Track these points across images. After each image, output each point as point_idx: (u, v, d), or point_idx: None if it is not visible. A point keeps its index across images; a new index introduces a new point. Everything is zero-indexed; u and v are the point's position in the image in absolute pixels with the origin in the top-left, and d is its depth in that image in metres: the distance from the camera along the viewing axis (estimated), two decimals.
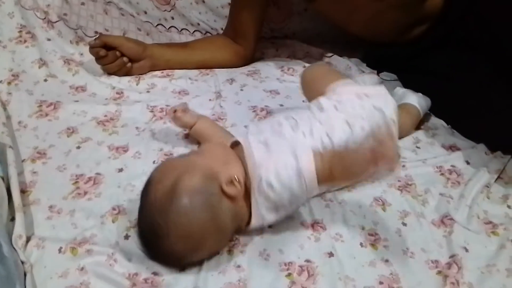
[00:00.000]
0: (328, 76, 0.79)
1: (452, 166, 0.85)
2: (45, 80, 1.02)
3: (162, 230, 0.61)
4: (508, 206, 0.77)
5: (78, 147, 0.85)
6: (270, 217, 0.65)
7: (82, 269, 0.63)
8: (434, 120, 0.98)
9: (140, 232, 0.66)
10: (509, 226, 0.73)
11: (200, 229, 0.62)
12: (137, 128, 0.91)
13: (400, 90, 0.99)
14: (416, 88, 0.99)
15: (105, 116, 0.93)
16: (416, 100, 0.93)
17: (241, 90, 1.05)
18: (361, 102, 0.70)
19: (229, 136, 0.81)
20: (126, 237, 0.68)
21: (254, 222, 0.66)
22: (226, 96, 1.02)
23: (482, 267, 0.67)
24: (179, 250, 0.62)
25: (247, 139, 0.69)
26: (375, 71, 1.14)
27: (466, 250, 0.69)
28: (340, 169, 0.65)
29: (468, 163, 0.86)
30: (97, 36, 1.08)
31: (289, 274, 0.64)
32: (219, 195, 0.63)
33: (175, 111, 0.83)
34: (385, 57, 1.15)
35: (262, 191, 0.63)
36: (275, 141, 0.67)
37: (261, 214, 0.65)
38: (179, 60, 1.11)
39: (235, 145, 0.73)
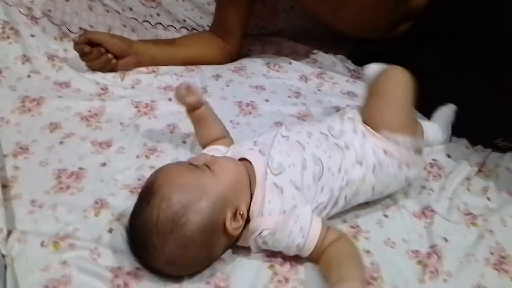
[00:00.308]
0: (399, 110, 0.75)
1: (434, 159, 0.86)
2: (29, 76, 1.02)
3: (154, 251, 0.59)
4: (488, 198, 0.78)
5: (61, 142, 0.85)
6: (259, 250, 0.66)
7: (64, 262, 0.63)
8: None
9: (130, 237, 0.63)
10: (488, 217, 0.74)
11: (192, 261, 0.61)
12: (121, 123, 0.91)
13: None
14: None
15: (89, 111, 0.93)
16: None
17: (227, 86, 1.06)
18: (397, 172, 0.72)
19: (223, 128, 0.81)
20: (110, 230, 0.68)
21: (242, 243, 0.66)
22: (212, 91, 1.03)
23: (461, 257, 0.68)
24: (163, 271, 0.61)
25: (264, 173, 0.65)
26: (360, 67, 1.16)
27: (446, 240, 0.70)
28: None
29: (449, 156, 0.87)
30: (82, 33, 1.08)
31: (272, 266, 0.64)
32: (221, 232, 0.62)
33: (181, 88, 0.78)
34: (370, 53, 1.16)
35: (255, 241, 0.64)
36: (290, 189, 0.65)
37: (252, 247, 0.65)
38: (165, 57, 1.11)
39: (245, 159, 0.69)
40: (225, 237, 0.63)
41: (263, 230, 0.63)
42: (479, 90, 0.92)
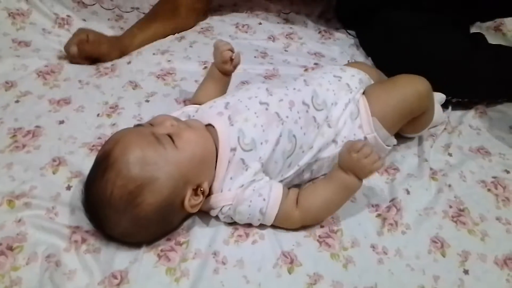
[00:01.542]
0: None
1: None
2: None
3: (108, 224, 0.58)
4: (449, 154, 0.80)
5: (17, 101, 0.81)
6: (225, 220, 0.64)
7: (19, 221, 0.61)
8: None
9: (85, 203, 0.60)
10: (448, 172, 0.75)
11: (148, 235, 0.60)
12: (80, 81, 0.87)
13: None
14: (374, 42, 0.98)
15: (46, 66, 0.89)
16: None
17: (190, 47, 1.02)
18: None
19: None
20: (68, 188, 0.67)
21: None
22: (174, 51, 0.99)
23: (420, 210, 0.69)
24: (120, 240, 0.60)
25: (230, 148, 0.62)
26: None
27: (408, 193, 0.71)
28: None
29: None
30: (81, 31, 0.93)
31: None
32: (178, 209, 0.60)
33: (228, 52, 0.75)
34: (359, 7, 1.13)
35: (219, 215, 0.63)
36: (255, 166, 0.62)
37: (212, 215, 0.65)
38: (149, 36, 1.02)
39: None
40: (183, 213, 0.61)
41: (223, 206, 0.62)
42: (430, 47, 0.91)
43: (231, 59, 0.76)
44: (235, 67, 0.77)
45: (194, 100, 0.78)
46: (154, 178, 0.57)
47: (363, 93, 0.74)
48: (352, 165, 0.62)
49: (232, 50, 0.76)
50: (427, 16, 0.96)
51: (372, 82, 0.79)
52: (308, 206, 0.63)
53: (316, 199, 0.63)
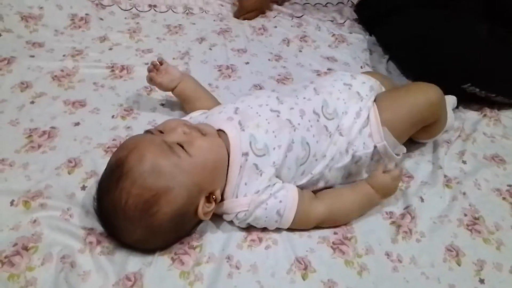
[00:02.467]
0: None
1: None
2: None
3: (122, 233, 0.58)
4: (464, 162, 0.79)
5: (32, 102, 0.82)
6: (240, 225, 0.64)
7: (35, 221, 0.62)
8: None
9: (98, 211, 0.60)
10: (462, 180, 0.75)
11: (161, 242, 0.60)
12: (94, 83, 0.88)
13: None
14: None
15: (62, 71, 0.90)
16: None
17: (210, 49, 1.03)
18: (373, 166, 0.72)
19: (214, 101, 0.78)
20: (83, 188, 0.67)
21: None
22: (193, 55, 1.00)
23: (435, 217, 0.68)
24: (133, 246, 0.60)
25: (241, 153, 0.62)
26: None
27: (422, 200, 0.71)
28: None
29: None
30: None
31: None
32: (192, 216, 0.60)
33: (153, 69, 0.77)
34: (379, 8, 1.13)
35: (234, 220, 0.63)
36: (270, 171, 0.62)
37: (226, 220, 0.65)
38: None
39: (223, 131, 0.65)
40: (196, 220, 0.61)
41: (239, 212, 0.62)
42: (449, 35, 0.91)
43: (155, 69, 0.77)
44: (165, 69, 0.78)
45: None
46: (170, 188, 0.56)
47: (374, 100, 0.73)
48: (383, 185, 0.67)
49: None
50: (448, 13, 0.96)
51: (384, 89, 0.79)
52: (334, 209, 0.64)
53: (342, 204, 0.65)
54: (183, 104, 0.81)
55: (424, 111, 0.72)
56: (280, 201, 0.61)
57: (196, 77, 0.91)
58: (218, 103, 0.78)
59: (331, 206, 0.64)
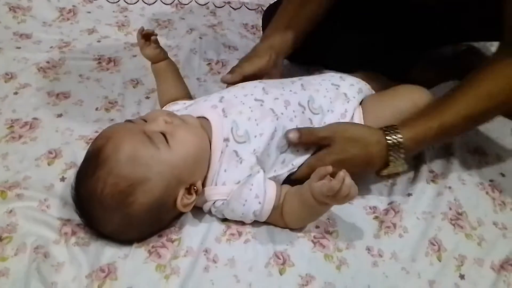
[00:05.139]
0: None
1: None
2: None
3: (99, 222, 0.57)
4: (449, 156, 0.78)
5: (16, 93, 0.81)
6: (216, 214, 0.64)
7: (10, 211, 0.61)
8: None
9: (75, 200, 0.59)
10: (447, 174, 0.74)
11: (139, 233, 0.59)
12: (80, 75, 0.87)
13: None
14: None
15: (48, 62, 0.89)
16: None
17: (200, 38, 1.02)
18: None
19: (187, 92, 0.77)
20: (62, 179, 0.67)
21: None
22: (182, 45, 0.99)
23: (419, 213, 0.67)
24: (110, 236, 0.59)
25: (223, 139, 0.61)
26: None
27: (408, 195, 0.70)
28: None
29: None
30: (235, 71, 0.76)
31: (225, 219, 0.63)
32: (170, 208, 0.59)
33: (143, 34, 0.74)
34: None
35: (209, 209, 0.63)
36: (250, 160, 0.61)
37: (205, 210, 0.64)
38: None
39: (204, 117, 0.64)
40: (175, 212, 0.60)
41: (216, 200, 0.61)
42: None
43: (147, 37, 0.74)
44: (155, 42, 0.75)
45: (161, 103, 0.77)
46: (146, 179, 0.55)
47: (361, 102, 0.72)
48: (320, 194, 0.56)
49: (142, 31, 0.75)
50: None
51: (373, 92, 0.77)
52: (289, 219, 0.62)
53: (293, 213, 0.61)
54: (158, 82, 0.79)
55: (408, 113, 0.70)
56: (259, 203, 0.60)
57: (185, 71, 0.92)
58: (188, 92, 0.78)
59: (284, 209, 0.61)
